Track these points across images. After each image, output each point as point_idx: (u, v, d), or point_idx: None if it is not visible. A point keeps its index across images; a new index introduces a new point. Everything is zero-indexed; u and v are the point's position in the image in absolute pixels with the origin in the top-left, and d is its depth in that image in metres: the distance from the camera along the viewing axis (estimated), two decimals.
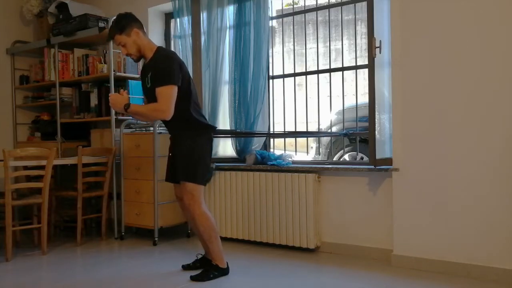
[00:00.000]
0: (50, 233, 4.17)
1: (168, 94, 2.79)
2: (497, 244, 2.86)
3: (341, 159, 5.04)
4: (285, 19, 4.20)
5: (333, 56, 4.06)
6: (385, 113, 3.37)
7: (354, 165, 3.55)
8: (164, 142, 3.96)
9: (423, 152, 3.11)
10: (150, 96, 2.91)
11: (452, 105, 3.00)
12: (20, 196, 3.86)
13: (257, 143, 4.06)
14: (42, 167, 3.63)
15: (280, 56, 4.20)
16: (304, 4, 4.01)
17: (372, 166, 3.26)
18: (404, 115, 3.18)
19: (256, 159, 3.88)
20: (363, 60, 3.60)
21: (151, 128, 3.95)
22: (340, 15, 3.81)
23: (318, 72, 3.96)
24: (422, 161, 3.11)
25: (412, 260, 3.14)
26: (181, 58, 4.24)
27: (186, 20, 4.27)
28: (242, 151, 4.04)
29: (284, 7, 4.57)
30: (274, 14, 4.26)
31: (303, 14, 4.01)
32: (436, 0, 3.05)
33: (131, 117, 4.19)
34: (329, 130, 4.87)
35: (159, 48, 2.99)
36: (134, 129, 4.16)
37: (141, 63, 4.50)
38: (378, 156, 3.21)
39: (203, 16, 4.14)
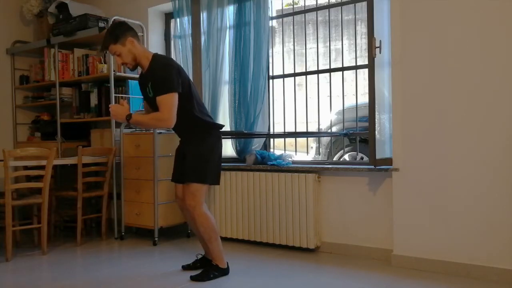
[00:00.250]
0: (50, 233, 4.17)
1: (170, 103, 2.78)
2: (497, 244, 2.86)
3: (341, 159, 5.04)
4: (285, 19, 4.20)
5: (333, 56, 4.06)
6: (385, 113, 3.37)
7: (354, 165, 3.55)
8: (164, 142, 3.97)
9: (423, 152, 3.11)
10: (154, 105, 2.89)
11: (452, 105, 3.00)
12: (20, 196, 3.86)
13: (257, 143, 4.06)
14: (42, 167, 3.63)
15: (280, 56, 4.20)
16: (304, 4, 4.01)
17: (372, 166, 3.26)
18: (404, 115, 3.18)
19: (256, 159, 3.89)
20: (363, 60, 3.60)
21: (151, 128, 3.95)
22: (340, 15, 3.81)
23: (318, 72, 3.96)
24: (422, 161, 3.11)
25: (412, 260, 3.14)
26: (181, 58, 4.30)
27: (186, 20, 4.27)
28: (242, 151, 4.04)
29: (284, 7, 4.57)
30: (274, 14, 4.26)
31: (303, 14, 4.01)
32: (436, 0, 3.05)
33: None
34: (329, 130, 4.87)
35: (154, 55, 2.95)
36: (134, 129, 4.16)
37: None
38: (378, 156, 3.21)
39: (203, 16, 4.14)
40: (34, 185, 3.74)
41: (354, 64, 3.76)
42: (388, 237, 3.31)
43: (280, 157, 3.84)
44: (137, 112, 3.12)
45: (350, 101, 4.31)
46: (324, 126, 4.88)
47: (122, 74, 4.34)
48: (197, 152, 2.95)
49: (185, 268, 3.17)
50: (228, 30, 4.10)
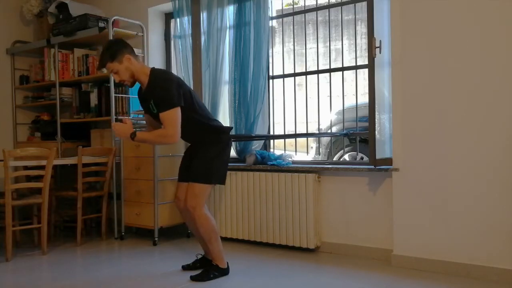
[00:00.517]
0: (50, 233, 4.17)
1: (173, 119, 2.78)
2: (497, 244, 2.86)
3: (341, 159, 5.04)
4: (285, 19, 4.20)
5: (333, 56, 4.06)
6: (385, 113, 3.37)
7: (354, 165, 3.55)
8: None
9: (423, 152, 3.11)
10: (158, 118, 2.89)
11: (452, 105, 3.00)
12: (20, 196, 3.86)
13: (257, 143, 4.06)
14: (42, 167, 3.63)
15: (280, 56, 4.20)
16: (304, 4, 4.01)
17: (372, 166, 3.26)
18: (404, 115, 3.18)
19: (256, 159, 3.89)
20: (363, 60, 3.60)
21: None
22: (340, 15, 3.81)
23: (318, 72, 3.96)
24: (422, 161, 3.11)
25: (412, 260, 3.14)
26: (181, 58, 4.30)
27: (186, 20, 4.27)
28: (242, 151, 4.04)
29: (284, 7, 4.58)
30: (274, 14, 4.26)
31: (303, 14, 4.01)
32: (436, 0, 3.05)
33: (131, 117, 4.20)
34: (329, 130, 4.87)
35: (152, 70, 2.93)
36: (134, 129, 4.15)
37: None
38: (378, 156, 3.21)
39: (203, 16, 4.14)
40: (34, 185, 3.74)
41: (354, 64, 3.76)
42: (388, 237, 3.31)
43: (280, 157, 3.84)
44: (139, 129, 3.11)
45: (350, 101, 4.31)
46: (324, 126, 4.88)
47: None
48: (205, 154, 2.98)
49: (185, 268, 3.17)
50: (228, 30, 4.10)
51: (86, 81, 4.65)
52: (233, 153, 4.10)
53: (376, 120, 3.21)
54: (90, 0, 4.96)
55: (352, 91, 3.95)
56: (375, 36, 3.12)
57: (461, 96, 2.97)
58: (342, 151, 5.13)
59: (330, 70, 3.86)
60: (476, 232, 2.93)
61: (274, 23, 4.71)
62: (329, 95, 3.84)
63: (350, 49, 4.62)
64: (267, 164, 3.81)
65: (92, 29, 4.34)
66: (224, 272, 3.03)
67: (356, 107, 3.74)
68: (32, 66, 5.11)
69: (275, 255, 3.54)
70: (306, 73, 4.04)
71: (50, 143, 4.63)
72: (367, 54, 3.18)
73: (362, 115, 3.96)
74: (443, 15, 3.03)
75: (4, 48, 5.03)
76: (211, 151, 2.98)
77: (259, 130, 3.97)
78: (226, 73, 4.14)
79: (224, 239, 3.75)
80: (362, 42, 4.44)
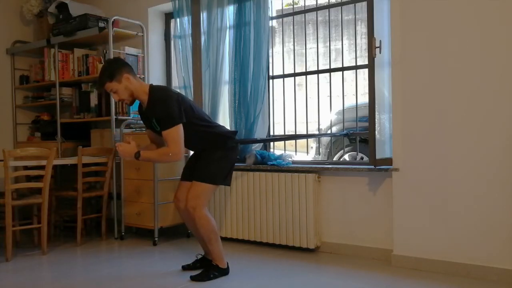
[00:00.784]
0: (50, 233, 4.17)
1: (176, 136, 2.80)
2: (497, 244, 2.86)
3: (341, 159, 5.04)
4: (285, 19, 4.20)
5: (333, 56, 4.06)
6: (385, 113, 3.37)
7: (354, 165, 3.55)
8: None
9: (423, 152, 3.11)
10: (161, 133, 2.92)
11: (452, 105, 3.00)
12: (20, 196, 3.86)
13: (257, 143, 4.06)
14: (42, 167, 3.63)
15: (280, 56, 4.20)
16: (304, 4, 4.01)
17: (372, 166, 3.26)
18: (404, 115, 3.18)
19: (256, 159, 3.89)
20: (363, 60, 3.60)
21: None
22: (340, 15, 3.81)
23: (318, 72, 3.96)
24: (422, 161, 3.11)
25: (412, 260, 3.14)
26: (181, 58, 4.30)
27: (186, 20, 4.27)
28: (242, 151, 4.04)
29: (284, 7, 4.57)
30: (274, 14, 4.25)
31: (303, 14, 4.01)
32: (436, 0, 3.05)
33: (131, 117, 4.21)
34: (329, 130, 4.87)
35: (151, 88, 2.93)
36: (134, 129, 4.16)
37: (142, 63, 4.52)
38: (378, 156, 3.21)
39: (203, 16, 4.14)
40: (34, 185, 3.74)
41: (354, 64, 3.76)
42: (388, 237, 3.31)
43: (280, 157, 3.84)
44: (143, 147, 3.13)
45: (350, 101, 4.31)
46: (324, 126, 4.88)
47: None
48: (211, 155, 3.01)
49: (185, 268, 3.17)
50: (228, 30, 4.10)
51: (86, 81, 4.65)
52: None
53: (376, 120, 3.21)
54: (90, 0, 4.96)
55: (352, 91, 3.95)
56: (375, 36, 3.12)
57: (461, 96, 2.97)
58: (342, 151, 5.13)
59: (330, 70, 3.86)
60: (476, 232, 2.93)
61: (274, 23, 4.71)
62: (329, 95, 3.84)
63: (350, 49, 4.62)
64: (267, 164, 3.81)
65: (92, 29, 4.34)
66: (224, 272, 3.03)
67: (356, 107, 3.74)
68: (32, 66, 5.11)
69: (275, 255, 3.54)
70: (306, 73, 4.04)
71: (50, 143, 4.63)
72: (367, 54, 3.18)
73: (362, 115, 3.96)
74: (443, 15, 3.03)
75: (4, 48, 5.03)
76: (217, 153, 3.02)
77: (259, 130, 3.97)
78: (226, 73, 4.13)
79: (224, 239, 3.75)
80: (362, 42, 4.44)
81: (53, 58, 4.72)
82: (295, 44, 4.26)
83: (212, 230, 2.97)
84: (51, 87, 4.87)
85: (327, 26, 3.93)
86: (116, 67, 2.90)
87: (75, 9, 4.56)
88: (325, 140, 5.39)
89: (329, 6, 3.84)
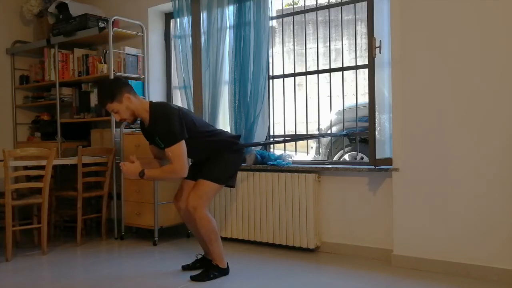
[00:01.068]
0: (50, 233, 4.17)
1: (179, 153, 2.81)
2: (497, 244, 2.86)
3: (341, 159, 5.04)
4: (285, 19, 4.20)
5: (333, 56, 4.06)
6: (385, 113, 3.37)
7: (354, 165, 3.55)
8: None
9: (423, 152, 3.11)
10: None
11: (452, 105, 3.00)
12: (20, 196, 3.86)
13: None
14: (42, 167, 3.63)
15: (280, 56, 4.20)
16: (304, 4, 4.01)
17: (372, 166, 3.26)
18: (404, 115, 3.18)
19: (256, 159, 3.89)
20: (363, 60, 3.60)
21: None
22: (340, 15, 3.81)
23: (318, 72, 3.96)
24: (422, 161, 3.11)
25: (412, 260, 3.14)
26: (181, 58, 4.29)
27: (186, 20, 4.27)
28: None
29: (284, 7, 4.57)
30: (274, 14, 4.25)
31: (303, 14, 4.01)
32: (436, 0, 3.05)
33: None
34: (329, 130, 4.87)
35: (152, 105, 2.93)
36: (134, 129, 4.16)
37: (142, 63, 4.52)
38: (378, 156, 3.21)
39: (203, 16, 4.14)
40: (34, 185, 3.74)
41: (354, 64, 3.76)
42: (388, 237, 3.31)
43: (280, 157, 3.84)
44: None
45: (350, 101, 4.31)
46: (324, 126, 4.88)
47: (122, 74, 4.35)
48: (218, 157, 3.03)
49: (185, 268, 3.17)
50: (228, 30, 4.10)
51: (86, 81, 4.65)
52: None
53: (376, 120, 3.22)
54: (90, 0, 4.96)
55: (352, 91, 3.95)
56: (375, 36, 3.12)
57: (461, 96, 2.97)
58: (342, 151, 5.13)
59: (330, 70, 3.86)
60: (476, 232, 2.93)
61: (274, 23, 4.71)
62: (329, 95, 3.84)
63: (350, 49, 4.62)
64: (267, 164, 3.81)
65: (92, 29, 4.34)
66: (224, 272, 3.03)
67: (356, 107, 3.74)
68: (32, 66, 5.11)
69: (275, 255, 3.54)
70: (306, 73, 4.04)
71: (50, 143, 4.63)
72: (367, 54, 3.18)
73: (362, 115, 3.96)
74: (443, 15, 3.03)
75: (4, 48, 5.03)
76: (223, 155, 3.04)
77: (259, 130, 3.97)
78: (226, 73, 4.13)
79: (224, 239, 3.75)
80: (362, 42, 4.44)
81: (53, 58, 4.72)
82: (295, 44, 4.26)
83: (213, 230, 2.97)
84: (51, 87, 4.87)
85: (327, 26, 3.93)
86: (117, 88, 2.90)
87: (75, 9, 4.57)
88: (325, 140, 5.39)
89: (329, 6, 3.84)
